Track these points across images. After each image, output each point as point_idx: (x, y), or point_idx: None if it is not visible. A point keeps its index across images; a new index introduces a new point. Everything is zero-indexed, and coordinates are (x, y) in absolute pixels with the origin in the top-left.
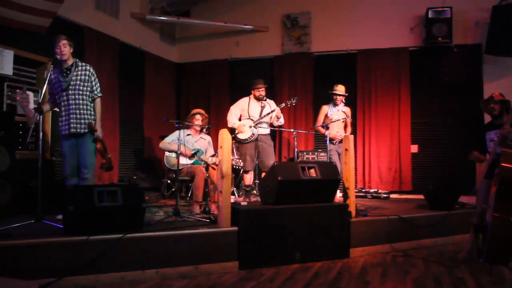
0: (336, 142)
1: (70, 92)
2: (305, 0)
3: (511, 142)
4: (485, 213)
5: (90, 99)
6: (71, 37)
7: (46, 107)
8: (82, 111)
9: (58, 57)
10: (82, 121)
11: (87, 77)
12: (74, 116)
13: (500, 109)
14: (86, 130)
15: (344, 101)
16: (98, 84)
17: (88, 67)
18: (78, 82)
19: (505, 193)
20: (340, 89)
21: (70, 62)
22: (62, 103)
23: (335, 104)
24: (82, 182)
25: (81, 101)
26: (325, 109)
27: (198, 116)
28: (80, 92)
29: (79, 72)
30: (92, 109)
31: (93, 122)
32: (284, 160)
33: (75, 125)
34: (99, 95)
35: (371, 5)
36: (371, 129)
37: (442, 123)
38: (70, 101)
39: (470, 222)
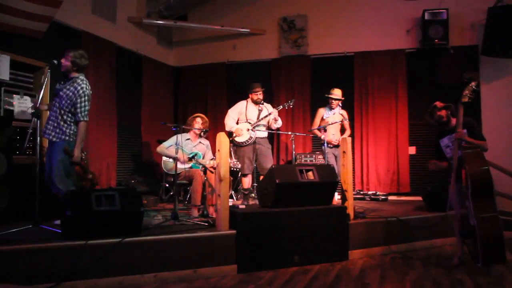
0: (332, 146)
1: (57, 99)
2: (302, 3)
3: (466, 144)
4: (466, 218)
5: (73, 117)
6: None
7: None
8: (59, 122)
9: (55, 61)
10: (57, 130)
11: (72, 95)
12: (52, 123)
13: (447, 114)
14: (57, 140)
15: (340, 104)
16: (85, 108)
17: (78, 88)
18: (64, 96)
19: (478, 194)
20: (337, 93)
21: (71, 75)
22: (52, 107)
23: (331, 108)
24: (60, 192)
25: (61, 112)
26: (321, 112)
27: (198, 119)
28: (63, 107)
29: (70, 88)
30: (71, 126)
31: (68, 147)
32: (282, 163)
33: (49, 132)
34: (82, 119)
35: (368, 8)
36: (368, 131)
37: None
38: (55, 108)
39: (454, 229)
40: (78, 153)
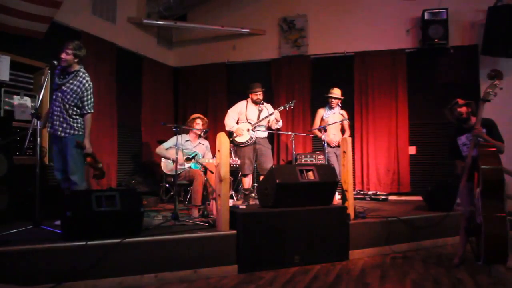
0: (333, 146)
1: (59, 94)
2: (302, 3)
3: (483, 142)
4: (474, 216)
5: (78, 111)
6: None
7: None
8: (65, 117)
9: (55, 62)
10: (64, 125)
11: (78, 89)
12: (57, 118)
13: (467, 111)
14: (66, 135)
15: (340, 104)
16: (91, 100)
17: (84, 82)
18: (69, 90)
19: (489, 193)
20: (336, 92)
21: (72, 69)
22: (54, 102)
23: (331, 107)
24: (72, 186)
25: (66, 107)
26: (321, 112)
27: (198, 121)
28: (68, 101)
29: (75, 82)
30: (78, 119)
31: (79, 141)
32: (282, 163)
33: (56, 127)
34: (89, 111)
35: (368, 8)
36: (368, 131)
37: (440, 124)
38: (57, 103)
39: (459, 227)
40: (89, 144)
